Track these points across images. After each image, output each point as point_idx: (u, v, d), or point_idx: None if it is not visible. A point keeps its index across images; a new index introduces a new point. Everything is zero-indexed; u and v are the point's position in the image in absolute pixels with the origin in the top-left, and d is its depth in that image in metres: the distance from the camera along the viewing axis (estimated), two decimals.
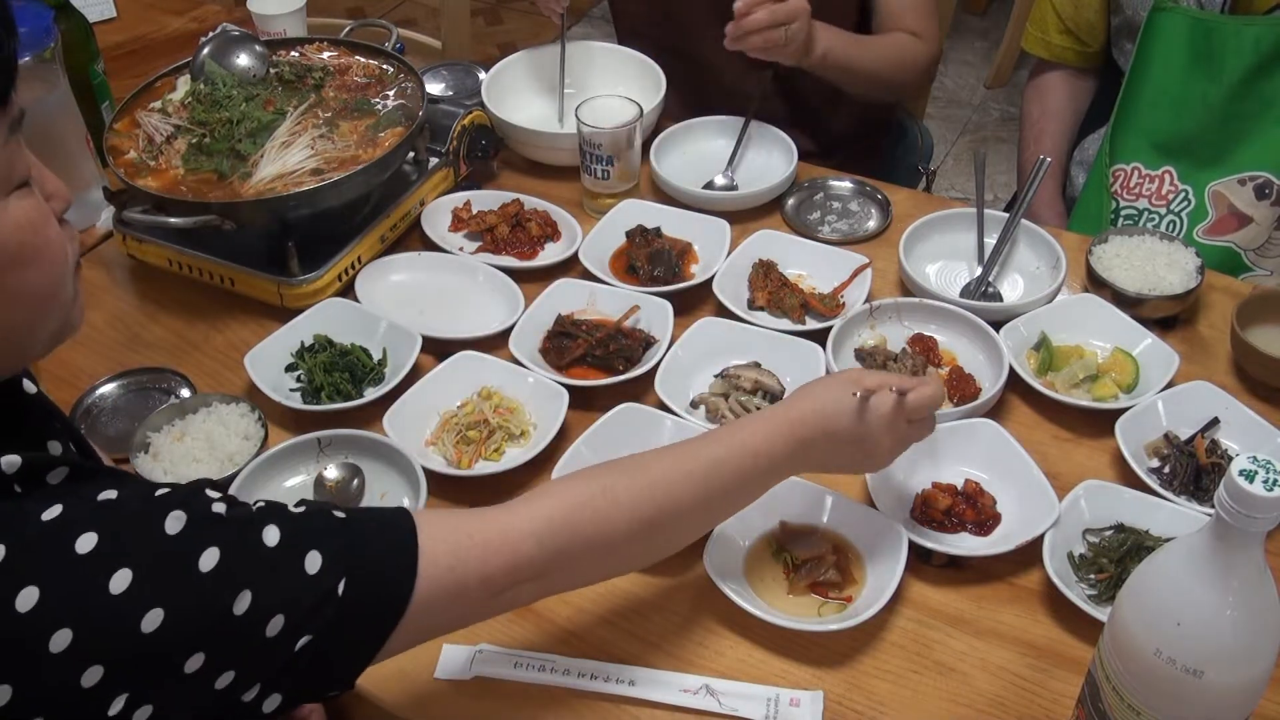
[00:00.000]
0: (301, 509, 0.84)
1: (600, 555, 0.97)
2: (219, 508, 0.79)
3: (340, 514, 0.85)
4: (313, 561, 0.80)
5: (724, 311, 1.47)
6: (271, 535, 0.79)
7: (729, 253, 1.54)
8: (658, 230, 1.58)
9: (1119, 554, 1.15)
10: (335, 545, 0.81)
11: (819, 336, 1.41)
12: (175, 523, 0.75)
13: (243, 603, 0.75)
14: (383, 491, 1.27)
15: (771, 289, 1.48)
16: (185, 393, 1.39)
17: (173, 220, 1.42)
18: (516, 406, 1.36)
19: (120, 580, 0.72)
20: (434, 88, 1.82)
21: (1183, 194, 1.72)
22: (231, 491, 1.22)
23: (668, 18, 1.87)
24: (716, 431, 1.07)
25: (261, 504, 0.83)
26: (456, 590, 0.88)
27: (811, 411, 1.06)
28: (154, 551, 0.74)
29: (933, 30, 1.81)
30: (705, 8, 1.83)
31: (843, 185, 1.70)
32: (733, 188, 1.69)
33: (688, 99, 1.86)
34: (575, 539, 0.93)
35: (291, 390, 1.39)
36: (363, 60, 1.68)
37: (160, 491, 0.78)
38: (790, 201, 1.67)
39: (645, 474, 0.99)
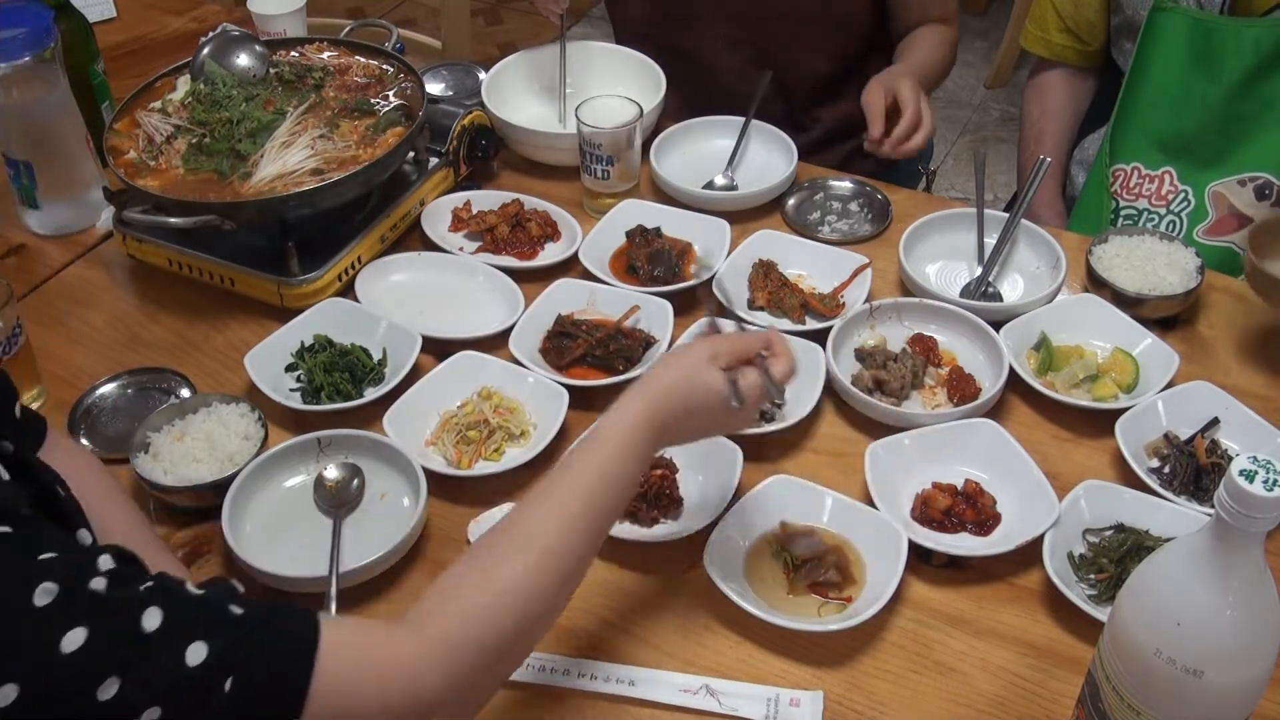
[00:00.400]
0: (200, 592, 0.79)
1: (508, 657, 0.92)
2: (98, 584, 0.73)
3: (239, 608, 0.78)
4: (196, 653, 0.73)
5: (724, 312, 1.47)
6: (152, 620, 0.73)
7: (729, 253, 1.54)
8: (658, 230, 1.58)
9: (1119, 554, 1.15)
10: (226, 639, 0.75)
11: (819, 336, 1.41)
12: (44, 596, 0.70)
13: (109, 690, 0.70)
14: (383, 491, 1.27)
15: (771, 289, 1.48)
16: (185, 393, 1.39)
17: (173, 220, 1.42)
18: (516, 406, 1.36)
19: None
20: (434, 88, 1.82)
21: (1183, 194, 1.72)
22: (231, 492, 1.21)
23: (667, 18, 1.87)
24: (588, 456, 0.98)
25: (152, 584, 0.76)
26: (353, 710, 0.80)
27: (676, 389, 1.02)
28: (14, 624, 0.69)
29: (954, 9, 1.88)
30: (705, 7, 1.83)
31: (843, 185, 1.70)
32: (733, 188, 1.69)
33: (688, 99, 1.86)
34: (478, 651, 0.87)
35: (291, 390, 1.39)
36: (363, 60, 1.68)
37: (44, 556, 0.73)
38: (790, 201, 1.67)
39: (535, 544, 0.91)
